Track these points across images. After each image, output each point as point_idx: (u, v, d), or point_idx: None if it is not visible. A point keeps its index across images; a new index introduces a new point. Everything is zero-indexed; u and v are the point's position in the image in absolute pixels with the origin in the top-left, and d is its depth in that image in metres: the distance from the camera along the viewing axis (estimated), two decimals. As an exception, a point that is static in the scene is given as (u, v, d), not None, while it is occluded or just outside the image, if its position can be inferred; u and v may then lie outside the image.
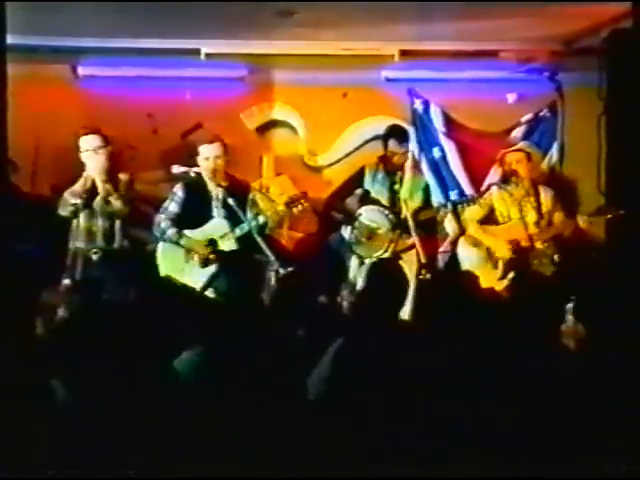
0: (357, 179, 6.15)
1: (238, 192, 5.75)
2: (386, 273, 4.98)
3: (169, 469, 3.04)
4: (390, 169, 6.08)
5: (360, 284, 5.67)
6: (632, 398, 3.17)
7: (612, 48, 6.02)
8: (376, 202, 6.02)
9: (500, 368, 3.33)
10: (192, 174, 5.81)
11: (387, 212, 5.98)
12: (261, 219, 5.65)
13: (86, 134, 5.73)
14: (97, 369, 3.28)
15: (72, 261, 5.50)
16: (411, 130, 6.53)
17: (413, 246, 5.85)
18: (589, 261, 5.87)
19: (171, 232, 5.71)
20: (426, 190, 6.16)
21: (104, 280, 5.46)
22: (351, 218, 5.98)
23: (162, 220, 5.76)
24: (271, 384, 3.35)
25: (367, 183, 6.09)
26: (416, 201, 6.04)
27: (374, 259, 5.87)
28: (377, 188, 6.06)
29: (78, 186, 5.65)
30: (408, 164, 6.12)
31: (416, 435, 3.19)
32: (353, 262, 5.93)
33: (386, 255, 5.88)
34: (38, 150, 6.39)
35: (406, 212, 5.85)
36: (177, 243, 5.69)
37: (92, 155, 5.70)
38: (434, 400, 3.23)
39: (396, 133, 6.13)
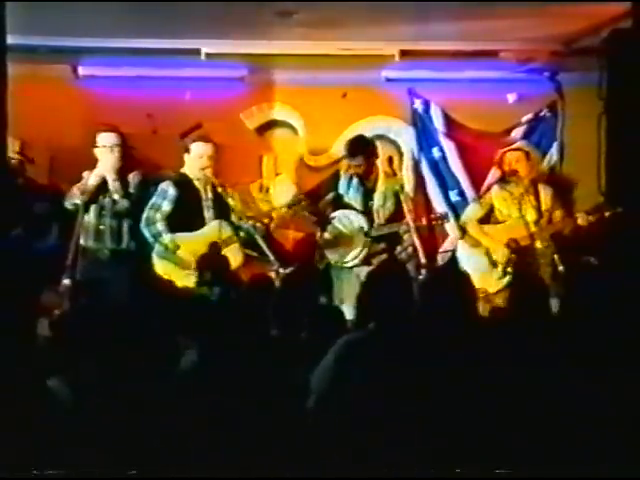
0: (332, 182, 6.18)
1: (231, 193, 5.74)
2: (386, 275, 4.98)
3: (169, 469, 3.04)
4: (363, 175, 6.12)
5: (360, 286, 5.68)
6: (632, 398, 3.18)
7: (612, 48, 6.02)
8: (350, 207, 6.06)
9: (500, 368, 3.33)
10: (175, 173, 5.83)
11: (361, 218, 6.02)
12: (265, 221, 5.65)
13: (105, 131, 5.74)
14: (99, 369, 3.28)
15: (72, 261, 5.49)
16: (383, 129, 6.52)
17: (383, 251, 5.90)
18: (588, 261, 5.87)
19: (168, 238, 5.64)
20: (398, 198, 6.08)
21: (111, 280, 5.46)
22: (324, 221, 6.02)
23: (158, 220, 5.70)
24: (271, 385, 3.35)
25: (342, 187, 6.13)
26: (389, 207, 6.06)
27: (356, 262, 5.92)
28: (352, 193, 6.10)
29: (86, 182, 5.63)
30: (381, 172, 6.14)
31: (416, 436, 3.19)
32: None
33: (356, 261, 5.93)
34: (38, 150, 6.38)
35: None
36: (169, 250, 5.62)
37: (107, 152, 5.70)
38: (434, 401, 3.24)
39: (347, 148, 6.16)
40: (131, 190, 5.73)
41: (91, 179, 5.65)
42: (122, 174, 5.73)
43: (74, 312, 4.42)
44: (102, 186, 5.64)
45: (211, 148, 5.78)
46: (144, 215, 5.70)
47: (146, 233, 5.68)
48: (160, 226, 5.68)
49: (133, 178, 5.77)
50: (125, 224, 5.70)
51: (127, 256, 5.70)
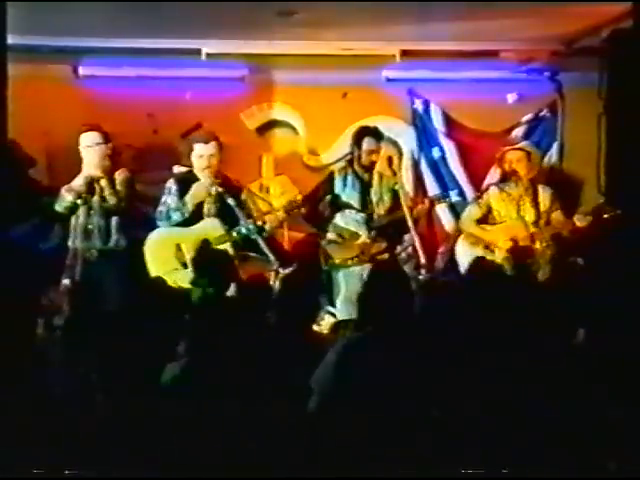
0: (327, 185, 6.19)
1: (233, 192, 5.75)
2: (385, 275, 5.00)
3: (168, 470, 3.05)
4: (360, 171, 6.12)
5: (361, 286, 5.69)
6: (630, 398, 3.18)
7: (612, 48, 6.02)
8: (348, 206, 6.08)
9: (500, 368, 3.34)
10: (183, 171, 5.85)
11: (361, 215, 6.03)
12: (259, 223, 5.65)
13: (87, 130, 5.75)
14: (95, 369, 3.29)
15: (71, 261, 5.49)
16: (386, 128, 6.51)
17: (386, 250, 5.93)
18: (585, 262, 5.87)
19: (176, 215, 5.68)
20: (395, 190, 6.08)
21: (101, 280, 5.46)
22: (324, 223, 6.04)
23: (163, 209, 5.72)
24: (271, 386, 3.36)
25: (337, 188, 6.13)
26: (387, 202, 6.09)
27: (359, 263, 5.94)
28: (348, 192, 6.12)
29: (75, 183, 5.66)
30: (377, 166, 6.15)
31: (417, 436, 3.19)
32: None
33: (362, 257, 5.94)
34: (37, 150, 6.39)
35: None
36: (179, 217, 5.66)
37: (91, 151, 5.72)
38: (433, 400, 3.24)
39: (369, 132, 6.16)
40: (118, 188, 5.74)
41: (77, 179, 5.67)
42: (108, 172, 5.74)
43: (69, 313, 4.42)
44: (90, 186, 5.63)
45: (212, 147, 5.78)
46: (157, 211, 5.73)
47: (163, 224, 5.69)
48: (164, 208, 5.71)
49: (119, 175, 5.78)
50: (114, 223, 5.69)
51: (116, 255, 5.69)
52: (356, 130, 6.26)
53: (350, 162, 6.22)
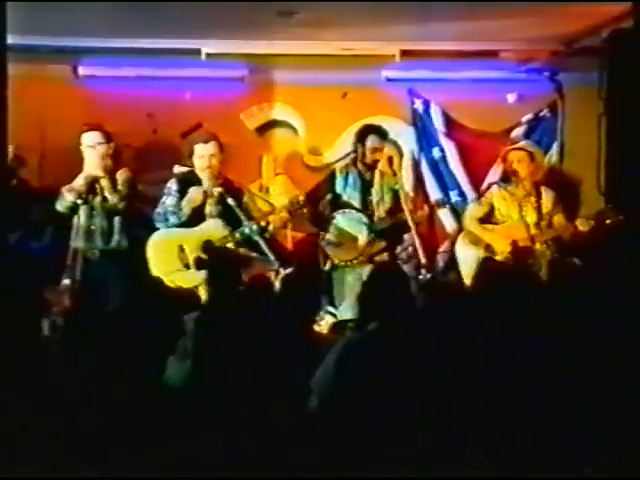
0: (328, 183, 6.18)
1: (234, 193, 5.75)
2: (384, 275, 5.00)
3: (168, 470, 3.04)
4: (362, 169, 6.11)
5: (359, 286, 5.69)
6: (630, 399, 3.18)
7: (612, 48, 6.03)
8: (348, 205, 6.07)
9: (500, 367, 3.34)
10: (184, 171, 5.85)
11: (361, 215, 6.03)
12: (262, 223, 5.64)
13: (88, 130, 5.76)
14: (96, 369, 3.29)
15: (72, 261, 5.48)
16: (387, 128, 6.50)
17: (386, 249, 5.92)
18: (585, 263, 5.87)
19: (173, 218, 5.67)
20: (396, 190, 6.07)
21: (102, 280, 5.46)
22: (324, 222, 6.03)
23: (161, 211, 5.72)
24: (271, 386, 3.35)
25: (338, 186, 6.13)
26: (387, 202, 6.08)
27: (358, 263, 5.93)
28: (349, 191, 6.11)
29: (76, 183, 5.66)
30: (379, 165, 6.15)
31: (418, 436, 3.19)
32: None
33: (361, 259, 5.94)
34: (38, 150, 6.39)
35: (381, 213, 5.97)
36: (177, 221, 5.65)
37: (92, 151, 5.72)
38: (433, 400, 3.24)
39: (374, 130, 6.15)
40: (120, 188, 5.74)
41: (79, 179, 5.67)
42: (110, 172, 5.73)
43: (71, 313, 4.42)
44: (91, 186, 5.63)
45: (212, 147, 5.78)
46: (155, 213, 5.72)
47: (159, 220, 5.69)
48: (161, 209, 5.71)
49: (121, 175, 5.78)
50: (115, 223, 5.69)
51: (118, 255, 5.68)
52: (360, 128, 6.26)
53: (354, 160, 6.20)
